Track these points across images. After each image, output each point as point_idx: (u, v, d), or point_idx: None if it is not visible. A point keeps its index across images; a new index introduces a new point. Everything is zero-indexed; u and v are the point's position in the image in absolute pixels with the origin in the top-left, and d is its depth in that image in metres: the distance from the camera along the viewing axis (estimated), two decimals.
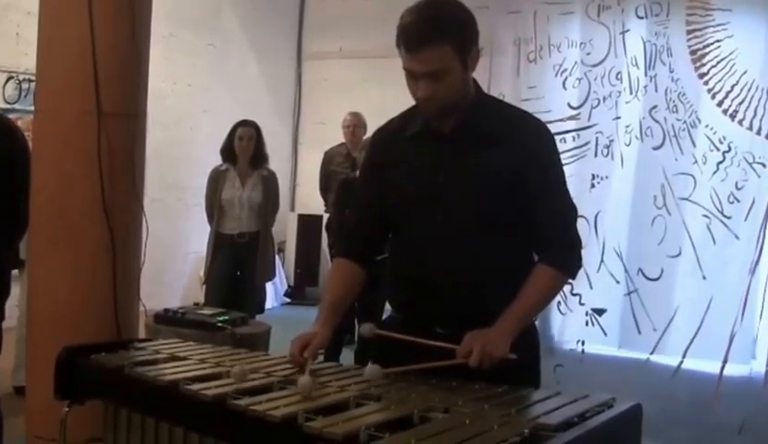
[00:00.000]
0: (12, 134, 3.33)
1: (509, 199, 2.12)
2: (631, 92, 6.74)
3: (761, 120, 6.17)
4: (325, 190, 7.03)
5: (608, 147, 6.82)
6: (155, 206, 5.78)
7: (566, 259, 2.18)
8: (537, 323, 2.37)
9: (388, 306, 2.46)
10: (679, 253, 6.53)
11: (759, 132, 6.19)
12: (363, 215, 2.38)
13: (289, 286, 9.26)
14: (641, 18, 6.66)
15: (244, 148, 5.74)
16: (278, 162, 7.05)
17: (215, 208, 5.77)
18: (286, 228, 9.15)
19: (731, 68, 6.26)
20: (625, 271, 6.73)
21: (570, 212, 2.23)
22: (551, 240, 2.16)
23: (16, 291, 3.60)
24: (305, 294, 9.24)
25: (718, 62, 6.31)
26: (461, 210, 2.15)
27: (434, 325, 2.16)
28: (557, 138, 7.34)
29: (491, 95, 2.37)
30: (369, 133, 6.57)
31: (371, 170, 2.38)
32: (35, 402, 3.05)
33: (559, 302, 6.86)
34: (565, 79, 6.99)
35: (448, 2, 2.11)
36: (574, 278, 2.27)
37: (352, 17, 9.11)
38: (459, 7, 2.12)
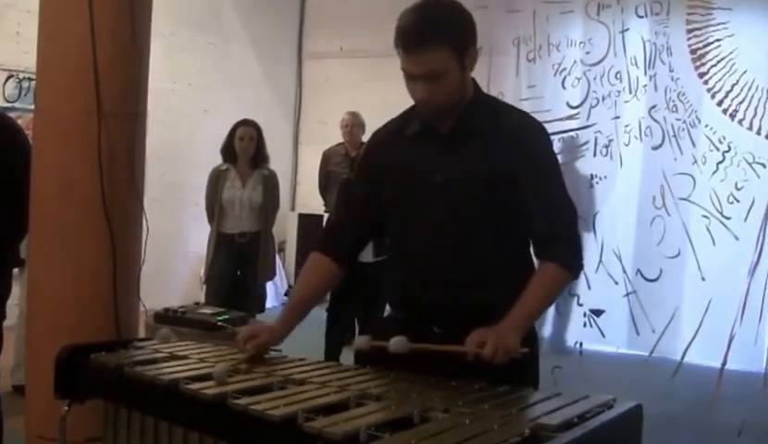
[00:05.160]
0: (11, 129, 3.33)
1: (505, 198, 2.12)
2: (630, 92, 6.75)
3: (761, 120, 6.17)
4: (324, 189, 7.03)
5: (607, 147, 6.82)
6: (155, 206, 5.76)
7: (571, 256, 2.16)
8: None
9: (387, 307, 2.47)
10: (678, 254, 6.54)
11: (759, 132, 6.19)
12: (352, 214, 2.38)
13: (289, 285, 9.26)
14: (641, 16, 6.67)
15: (245, 148, 5.74)
16: (278, 161, 7.04)
17: (215, 208, 5.76)
18: (286, 228, 9.15)
19: (731, 68, 6.27)
20: (624, 272, 6.73)
21: (571, 210, 2.22)
22: (555, 239, 2.14)
23: (16, 290, 3.60)
24: None
25: (718, 61, 6.32)
26: (458, 210, 2.15)
27: (431, 324, 2.16)
28: (556, 137, 7.39)
29: (490, 95, 2.35)
30: (368, 133, 6.58)
31: (367, 171, 2.39)
32: (35, 401, 3.04)
33: (557, 303, 6.87)
34: (564, 78, 6.99)
35: (447, 2, 2.10)
36: (577, 277, 2.24)
37: (352, 16, 9.11)
38: (458, 8, 2.11)
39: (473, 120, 2.16)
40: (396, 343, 2.00)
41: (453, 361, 1.95)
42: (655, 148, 6.63)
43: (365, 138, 6.44)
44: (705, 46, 6.36)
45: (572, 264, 2.15)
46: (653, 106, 6.62)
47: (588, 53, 6.88)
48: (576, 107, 6.90)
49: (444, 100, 2.10)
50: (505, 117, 2.21)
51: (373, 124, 7.13)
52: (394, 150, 2.27)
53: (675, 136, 6.53)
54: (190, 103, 8.40)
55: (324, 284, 2.35)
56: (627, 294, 6.71)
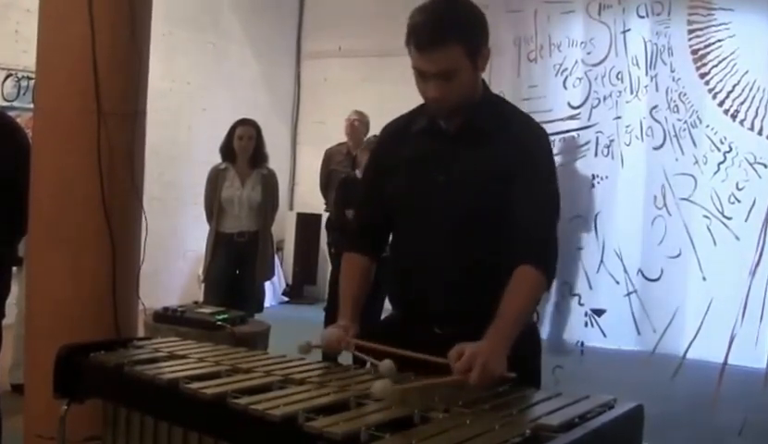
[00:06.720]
0: (11, 128, 3.33)
1: (506, 198, 2.10)
2: (632, 92, 6.73)
3: (762, 121, 6.16)
4: (325, 188, 7.04)
5: (608, 147, 6.80)
6: (154, 205, 5.76)
7: (548, 260, 2.08)
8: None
9: (386, 305, 2.45)
10: (679, 254, 6.52)
11: (760, 133, 6.18)
12: (369, 210, 2.38)
13: (287, 285, 9.25)
14: (642, 17, 6.65)
15: (244, 147, 5.73)
16: (276, 161, 7.03)
17: (214, 207, 5.76)
18: (284, 227, 9.14)
19: (732, 68, 6.26)
20: (625, 272, 6.72)
21: (552, 214, 2.14)
22: (533, 240, 2.07)
23: (14, 289, 3.59)
24: (304, 293, 9.24)
25: (719, 62, 6.31)
26: (461, 209, 2.14)
27: (432, 323, 2.15)
28: (557, 137, 7.38)
29: (497, 95, 2.33)
30: (370, 134, 6.57)
31: (375, 167, 2.38)
32: (34, 401, 3.04)
33: (558, 302, 6.86)
34: (566, 78, 6.97)
35: (460, 1, 2.09)
36: (551, 283, 2.13)
37: (351, 16, 9.10)
38: (471, 7, 2.10)
39: (481, 119, 2.15)
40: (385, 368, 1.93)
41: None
42: (656, 148, 6.62)
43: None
44: (706, 47, 6.35)
45: (549, 268, 2.08)
46: (654, 107, 6.61)
47: (589, 53, 6.86)
48: (578, 107, 6.88)
49: (456, 99, 2.08)
50: (510, 117, 2.20)
51: (372, 124, 7.11)
52: (400, 147, 2.26)
53: (676, 136, 6.51)
54: (188, 102, 8.40)
55: (368, 281, 2.34)
56: (628, 294, 6.69)
